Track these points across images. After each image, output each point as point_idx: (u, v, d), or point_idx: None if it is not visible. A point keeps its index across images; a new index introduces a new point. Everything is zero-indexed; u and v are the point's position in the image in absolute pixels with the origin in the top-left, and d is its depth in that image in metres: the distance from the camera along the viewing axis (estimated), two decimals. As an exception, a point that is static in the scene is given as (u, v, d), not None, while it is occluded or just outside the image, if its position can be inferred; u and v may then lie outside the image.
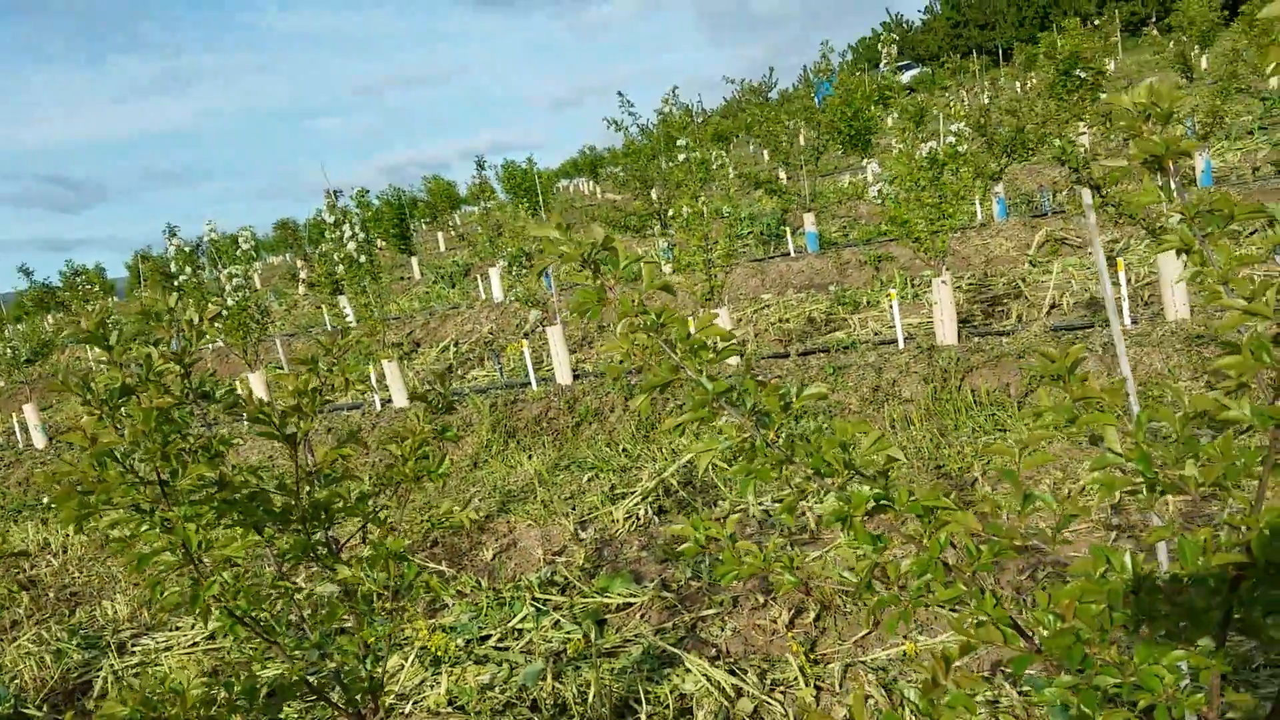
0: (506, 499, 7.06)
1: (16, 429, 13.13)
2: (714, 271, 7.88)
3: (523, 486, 7.30)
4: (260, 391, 9.72)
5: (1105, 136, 9.62)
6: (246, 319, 9.21)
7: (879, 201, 7.33)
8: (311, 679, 2.77)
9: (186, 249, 9.46)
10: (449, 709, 4.46)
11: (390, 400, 9.62)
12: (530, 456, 7.80)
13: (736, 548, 2.24)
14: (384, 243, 20.83)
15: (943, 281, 7.35)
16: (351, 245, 8.24)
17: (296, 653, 2.76)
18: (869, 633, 4.43)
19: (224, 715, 2.37)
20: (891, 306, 8.04)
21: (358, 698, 2.80)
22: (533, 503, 6.86)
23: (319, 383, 2.59)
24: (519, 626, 5.09)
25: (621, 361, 2.35)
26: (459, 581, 5.92)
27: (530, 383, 8.93)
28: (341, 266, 8.34)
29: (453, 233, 28.01)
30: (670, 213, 10.51)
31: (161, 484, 2.31)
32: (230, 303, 9.00)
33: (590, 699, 4.22)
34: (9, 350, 12.32)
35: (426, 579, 2.65)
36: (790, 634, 4.55)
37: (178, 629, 6.09)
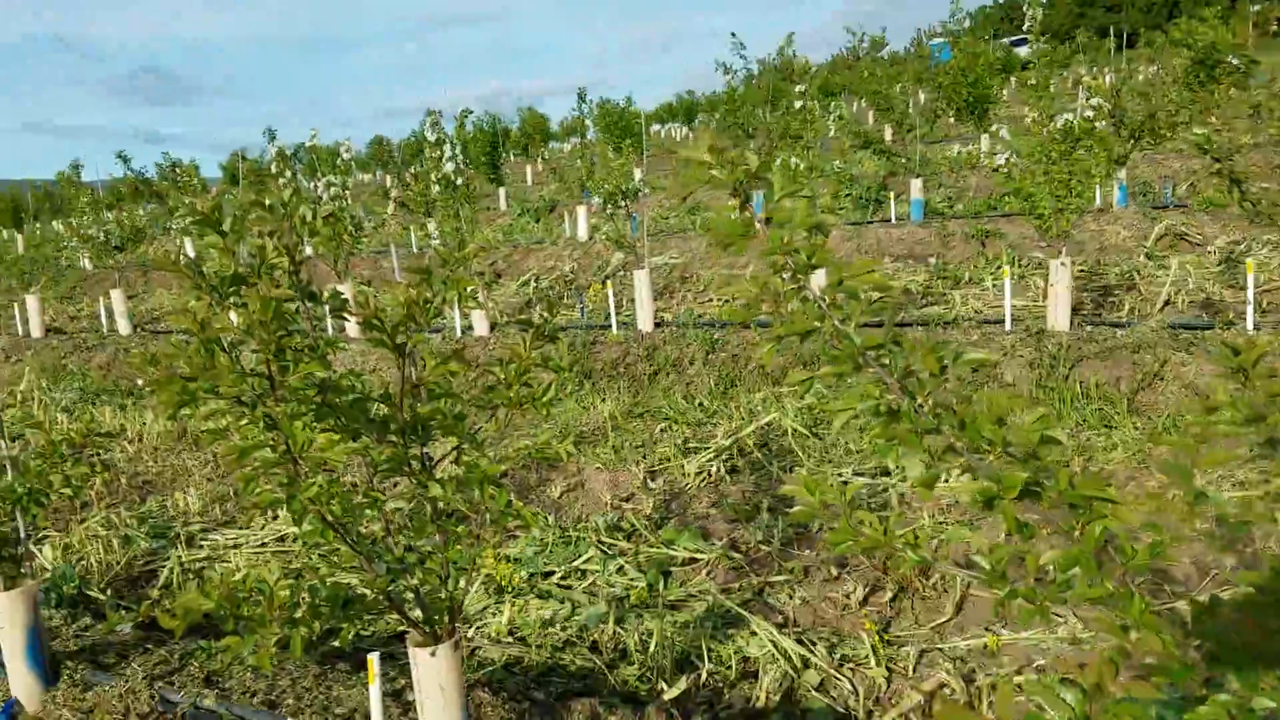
0: (578, 440, 7.00)
1: (103, 314, 13.47)
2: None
3: (594, 429, 7.24)
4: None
5: (1250, 131, 9.09)
6: (340, 230, 9.22)
7: (1004, 172, 7.01)
8: (391, 593, 2.72)
9: (288, 153, 9.49)
10: (510, 638, 4.43)
11: (471, 327, 9.61)
12: (604, 400, 7.73)
13: (855, 517, 2.10)
14: (474, 170, 20.81)
15: (1062, 263, 7.03)
16: (450, 166, 8.18)
17: (380, 566, 2.71)
18: (948, 619, 4.28)
19: (306, 619, 2.32)
20: (1003, 285, 7.74)
21: (434, 617, 2.75)
22: (603, 446, 6.79)
23: (431, 294, 2.50)
24: (583, 567, 5.04)
25: (747, 306, 2.21)
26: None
27: (611, 325, 8.83)
28: (437, 187, 8.29)
29: (540, 166, 27.94)
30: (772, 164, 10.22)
31: (270, 378, 2.24)
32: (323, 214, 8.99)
33: (652, 648, 4.15)
34: (102, 234, 12.57)
35: (519, 508, 2.56)
36: (863, 611, 4.42)
37: (246, 528, 6.17)
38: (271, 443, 2.33)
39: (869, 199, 14.28)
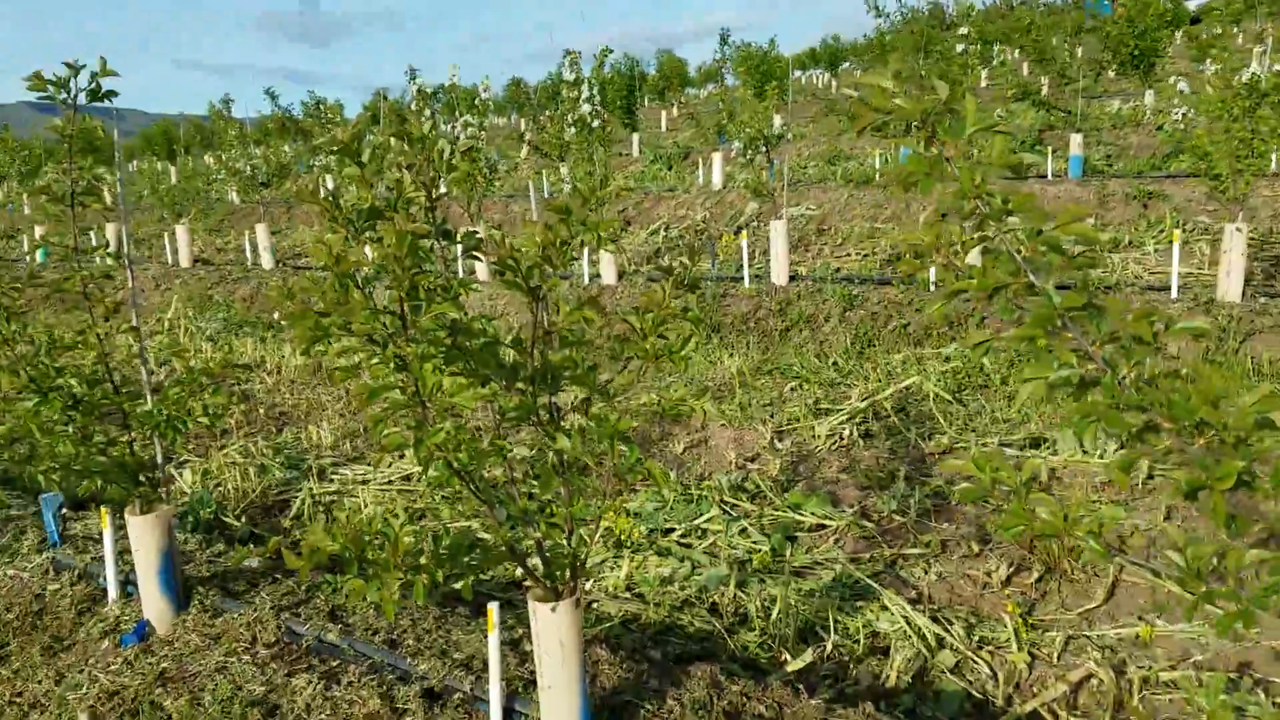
0: (702, 394, 6.83)
1: (247, 248, 13.94)
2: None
3: (720, 385, 7.05)
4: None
5: None
6: (475, 170, 9.20)
7: (1178, 128, 6.43)
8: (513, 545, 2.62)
9: (429, 91, 9.51)
10: (627, 594, 4.33)
11: (599, 275, 9.51)
12: (732, 355, 7.52)
13: (1030, 500, 1.87)
14: (609, 114, 20.65)
15: (1238, 229, 6.44)
16: (586, 108, 8.03)
17: (501, 513, 2.60)
18: (1098, 605, 3.97)
19: (429, 566, 2.23)
20: (1166, 249, 7.15)
21: (556, 573, 2.64)
22: (729, 403, 6.60)
23: (569, 234, 2.34)
24: (704, 526, 4.90)
25: (919, 256, 1.98)
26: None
27: (743, 278, 8.58)
28: (572, 130, 8.16)
29: (676, 113, 27.55)
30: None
31: (402, 317, 2.14)
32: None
33: (774, 615, 3.98)
34: (249, 169, 12.94)
35: (649, 466, 2.41)
36: (1005, 591, 4.14)
37: (374, 465, 6.25)
38: (401, 384, 2.23)
39: (1023, 152, 13.59)
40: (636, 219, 13.80)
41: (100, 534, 4.58)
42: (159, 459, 3.66)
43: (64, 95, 3.18)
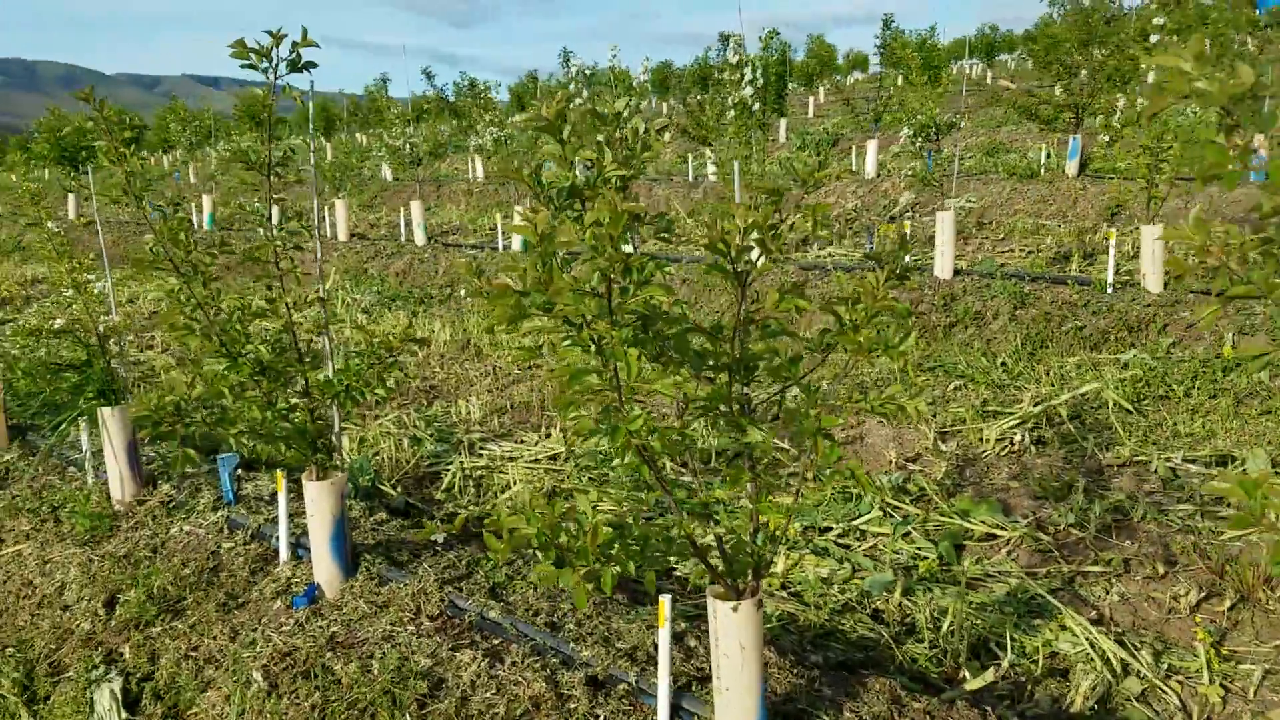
0: (862, 388, 6.60)
1: (401, 223, 14.30)
2: (1158, 180, 6.69)
3: (878, 379, 6.81)
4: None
5: None
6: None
7: None
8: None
9: (587, 73, 9.49)
10: (783, 593, 4.20)
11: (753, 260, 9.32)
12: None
13: (1313, 536, 1.65)
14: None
15: None
16: (749, 90, 7.85)
17: (685, 509, 2.51)
18: (1306, 644, 3.62)
19: (620, 558, 2.16)
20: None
21: (738, 571, 2.54)
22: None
23: (779, 219, 2.22)
24: (863, 527, 4.71)
25: (1189, 257, 1.78)
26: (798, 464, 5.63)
27: (903, 270, 8.24)
28: (733, 111, 8.00)
29: (823, 98, 26.97)
30: (1092, 105, 9.19)
31: (609, 299, 2.05)
32: (617, 134, 8.92)
33: (945, 628, 3.78)
34: (408, 147, 13.24)
35: (853, 466, 2.27)
36: (1195, 618, 3.83)
37: (521, 442, 6.28)
38: (599, 369, 2.15)
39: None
40: (784, 206, 13.55)
41: (270, 495, 4.72)
42: (336, 427, 3.72)
43: (265, 65, 3.23)
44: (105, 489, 4.78)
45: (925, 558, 4.36)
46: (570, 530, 2.11)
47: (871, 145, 13.96)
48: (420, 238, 13.06)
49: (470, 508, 5.36)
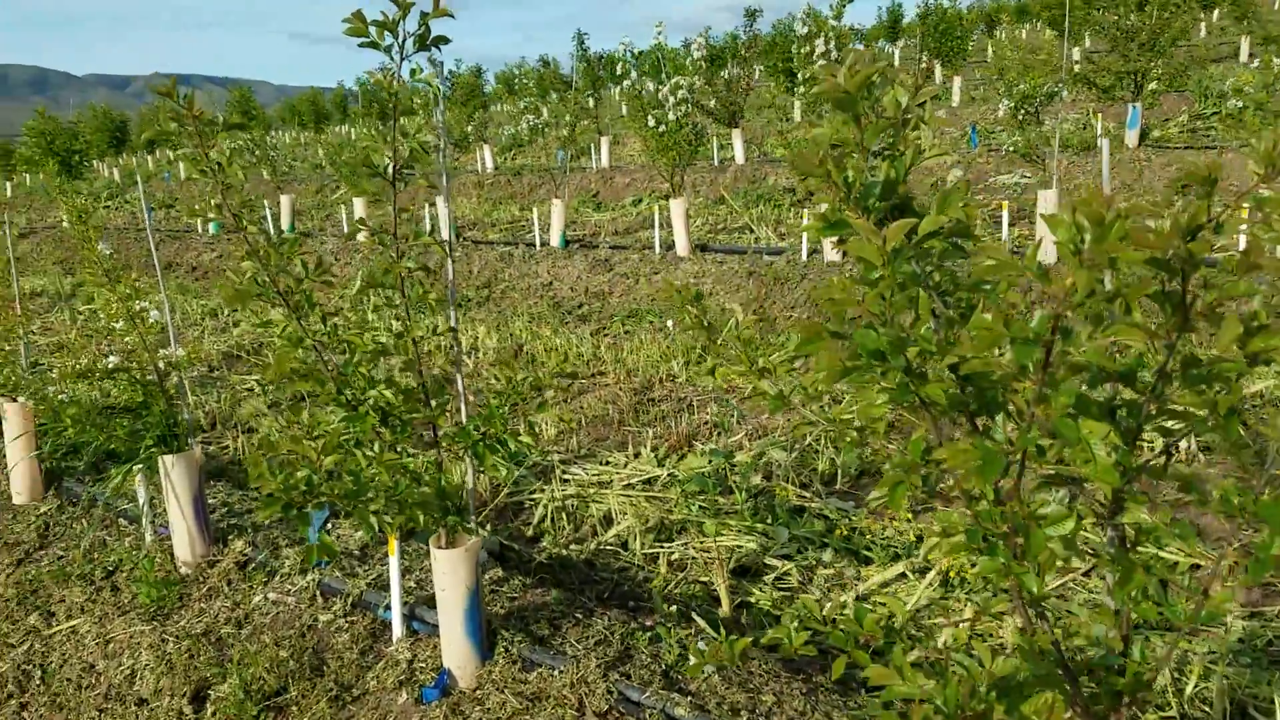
0: None
1: (426, 221, 13.57)
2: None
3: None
4: (680, 224, 9.06)
5: None
6: (682, 139, 8.48)
7: None
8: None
9: (634, 53, 8.80)
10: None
11: (817, 250, 8.67)
12: (1000, 344, 6.59)
13: None
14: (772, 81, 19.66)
15: None
16: (821, 64, 7.16)
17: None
18: None
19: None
20: None
21: (1101, 692, 1.91)
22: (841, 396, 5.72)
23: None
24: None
25: None
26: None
27: (1001, 255, 7.55)
28: (803, 86, 7.33)
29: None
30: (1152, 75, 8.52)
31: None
32: (671, 117, 8.29)
33: (1189, 690, 3.17)
34: (432, 138, 12.43)
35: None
36: None
37: (607, 463, 5.65)
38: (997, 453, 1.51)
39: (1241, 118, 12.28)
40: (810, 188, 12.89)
41: (360, 550, 4.08)
42: (470, 484, 3.08)
43: (389, 40, 2.57)
44: (168, 548, 4.13)
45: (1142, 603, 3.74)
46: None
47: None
48: (445, 234, 12.31)
49: (570, 547, 4.72)
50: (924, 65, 13.81)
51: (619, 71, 8.41)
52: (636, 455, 5.76)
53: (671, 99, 8.19)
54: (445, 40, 2.63)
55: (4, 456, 4.96)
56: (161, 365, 3.77)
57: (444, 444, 2.95)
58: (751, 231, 11.75)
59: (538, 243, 11.26)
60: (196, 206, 2.62)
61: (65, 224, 17.85)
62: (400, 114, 2.66)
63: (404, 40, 2.57)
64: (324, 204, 18.95)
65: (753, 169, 14.25)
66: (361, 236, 2.69)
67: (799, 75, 7.38)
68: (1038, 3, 28.55)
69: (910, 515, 4.66)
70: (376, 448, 2.81)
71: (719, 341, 2.29)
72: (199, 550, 4.02)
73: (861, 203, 1.77)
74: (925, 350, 1.51)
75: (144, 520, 4.17)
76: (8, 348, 4.35)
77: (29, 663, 3.68)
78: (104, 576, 4.05)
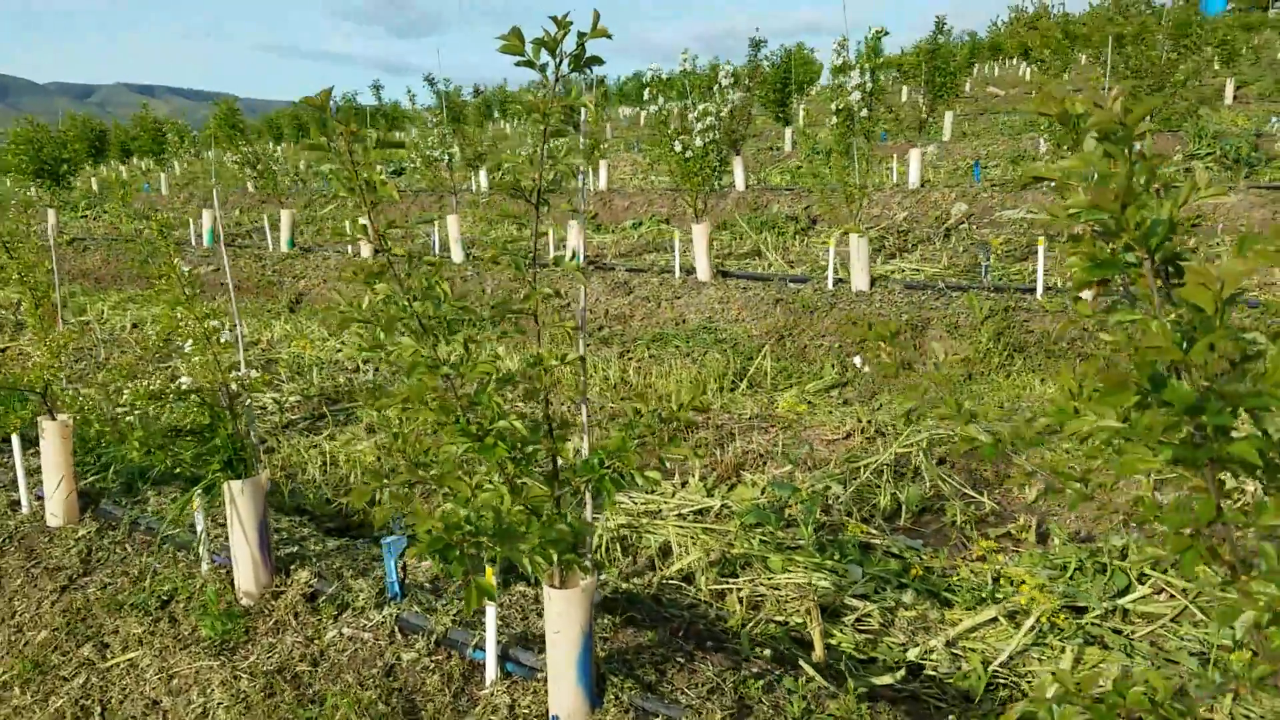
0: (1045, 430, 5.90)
1: (434, 239, 13.28)
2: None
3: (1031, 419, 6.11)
4: (701, 249, 8.98)
5: None
6: (707, 167, 8.43)
7: None
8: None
9: (663, 77, 8.73)
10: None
11: (844, 280, 8.62)
12: (1042, 381, 6.56)
13: None
14: (763, 107, 19.72)
15: None
16: (855, 96, 7.15)
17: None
18: None
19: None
20: None
21: None
22: (1053, 447, 5.66)
23: None
24: (1126, 605, 4.02)
25: None
26: (1007, 525, 4.97)
27: (1035, 288, 7.57)
28: (835, 118, 7.31)
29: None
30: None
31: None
32: (698, 143, 8.24)
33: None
34: (446, 156, 12.18)
35: None
36: None
37: (653, 492, 5.51)
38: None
39: (1234, 158, 12.50)
40: (824, 216, 12.89)
41: (432, 582, 3.91)
42: (589, 520, 2.94)
43: (544, 59, 2.45)
44: (224, 576, 3.93)
45: (1226, 645, 3.67)
46: None
47: (914, 154, 13.39)
48: (458, 254, 12.12)
49: (631, 580, 4.57)
50: (923, 101, 13.87)
51: (645, 97, 8.31)
52: (684, 484, 5.64)
53: (699, 125, 8.14)
54: (599, 61, 2.51)
55: (37, 473, 4.73)
56: (234, 387, 3.59)
57: (566, 477, 2.81)
58: (760, 256, 11.71)
59: (551, 262, 11.13)
60: (344, 225, 2.47)
61: (51, 235, 17.41)
62: (551, 135, 2.53)
63: (560, 61, 2.45)
64: (313, 218, 18.67)
65: (754, 196, 14.23)
66: (459, 255, 2.55)
67: (832, 106, 7.34)
68: (1014, 41, 29.13)
69: (1000, 556, 4.58)
70: (497, 479, 2.67)
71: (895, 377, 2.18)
72: (262, 580, 3.83)
73: (1144, 242, 1.67)
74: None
75: (202, 550, 3.98)
76: (58, 363, 4.14)
77: (87, 698, 3.47)
78: (159, 606, 3.84)
